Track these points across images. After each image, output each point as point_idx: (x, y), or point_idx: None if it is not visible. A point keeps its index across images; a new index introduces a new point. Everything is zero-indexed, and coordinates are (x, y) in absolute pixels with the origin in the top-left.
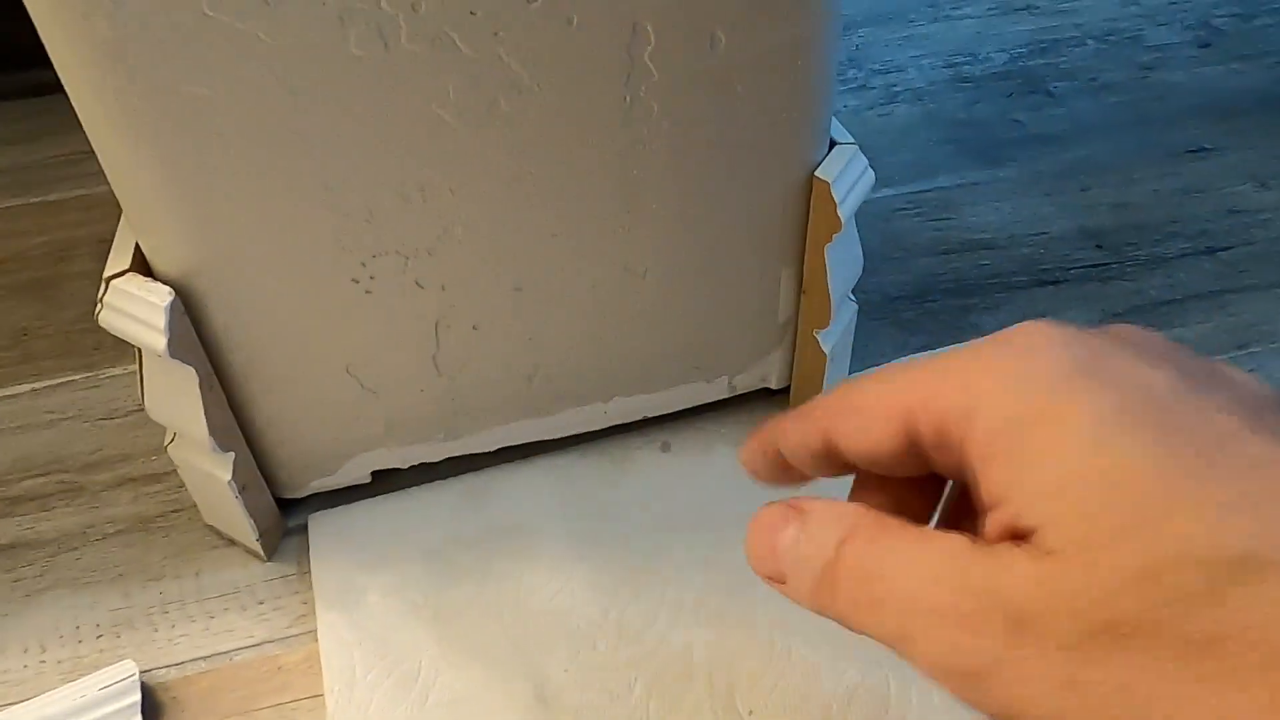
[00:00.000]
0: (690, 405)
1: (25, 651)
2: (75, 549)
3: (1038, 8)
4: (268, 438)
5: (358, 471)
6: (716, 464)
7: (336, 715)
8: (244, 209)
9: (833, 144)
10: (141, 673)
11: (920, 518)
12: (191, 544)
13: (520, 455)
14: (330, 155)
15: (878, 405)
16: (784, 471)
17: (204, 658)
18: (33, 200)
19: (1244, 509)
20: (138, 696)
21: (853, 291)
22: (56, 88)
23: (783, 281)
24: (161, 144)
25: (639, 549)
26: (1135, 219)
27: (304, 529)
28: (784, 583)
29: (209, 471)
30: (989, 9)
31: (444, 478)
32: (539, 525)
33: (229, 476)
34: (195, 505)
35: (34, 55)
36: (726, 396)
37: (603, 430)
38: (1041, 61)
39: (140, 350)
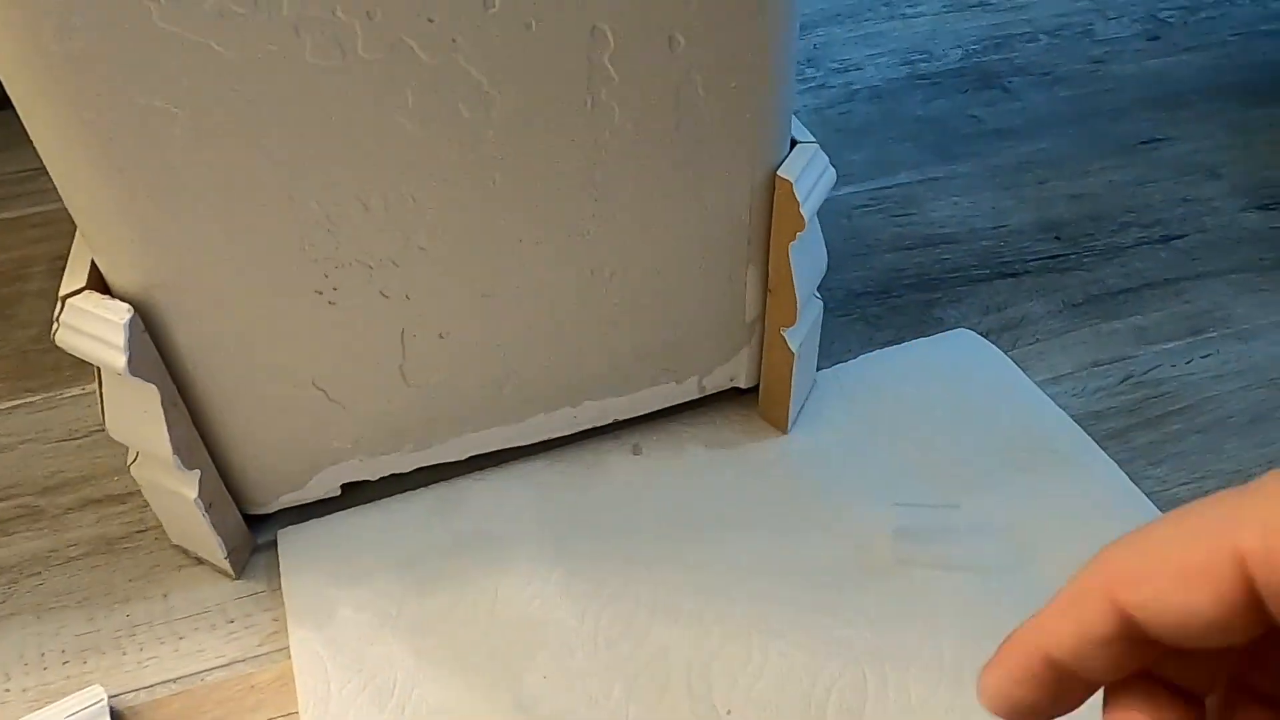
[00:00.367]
0: (660, 407)
1: None
2: (38, 574)
3: (990, 4)
4: (234, 453)
5: (327, 485)
6: (688, 465)
7: None
8: (202, 223)
9: (794, 143)
10: (110, 698)
11: (1212, 686)
12: (158, 564)
13: (491, 463)
14: (290, 166)
15: (1196, 554)
16: (1059, 690)
17: (174, 680)
18: None
19: None
20: None
21: (818, 289)
22: (6, 102)
23: (748, 281)
24: (115, 158)
25: (613, 552)
26: (1091, 210)
27: (273, 545)
28: None
29: (174, 490)
30: (943, 6)
31: (415, 488)
32: (512, 533)
33: (195, 494)
34: (160, 525)
35: None
36: (696, 397)
37: (574, 435)
38: (996, 57)
39: (99, 369)
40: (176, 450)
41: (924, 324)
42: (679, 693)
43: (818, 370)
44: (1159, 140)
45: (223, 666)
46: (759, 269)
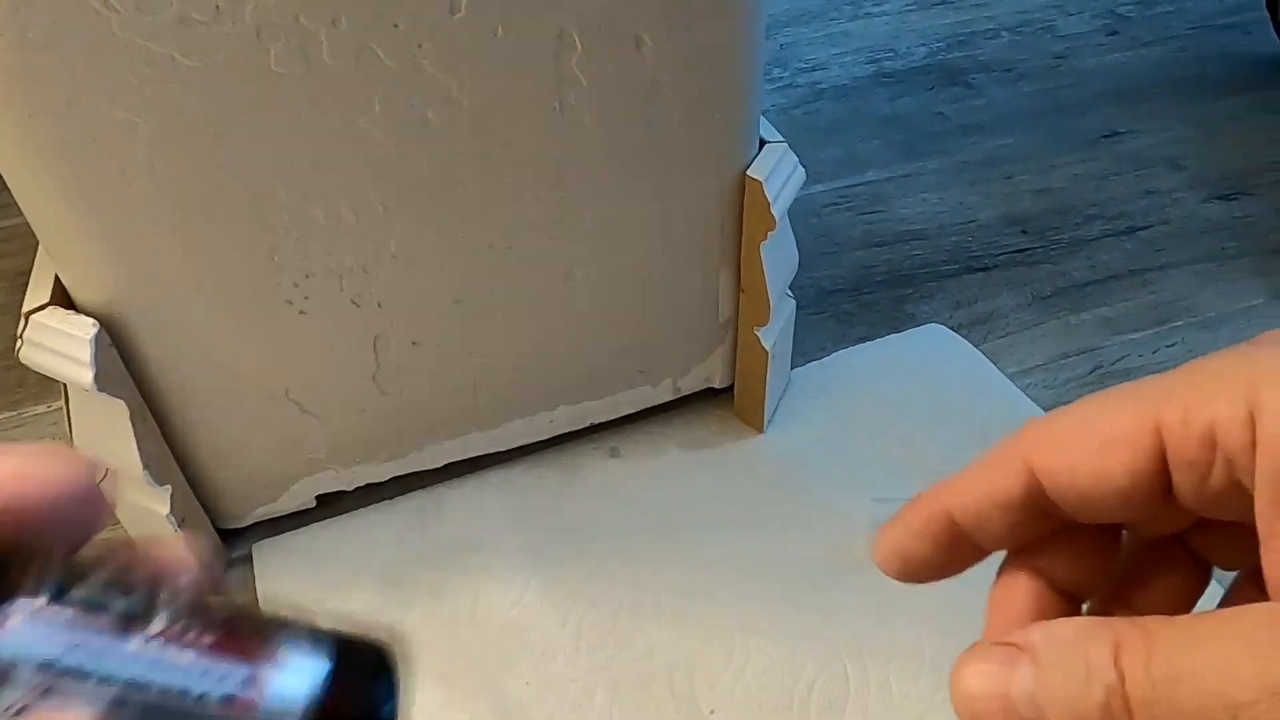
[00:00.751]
0: (636, 409)
1: None
2: None
3: (953, 2)
4: (206, 468)
5: (302, 497)
6: (666, 466)
7: None
8: (168, 234)
9: (762, 143)
10: None
11: (1092, 589)
12: None
13: (468, 470)
14: (256, 175)
15: (1117, 424)
16: (950, 551)
17: None
18: None
19: None
20: None
21: (790, 287)
22: None
23: (721, 281)
24: (75, 170)
25: (593, 556)
26: (1057, 203)
27: (249, 559)
28: None
29: (145, 506)
30: (906, 5)
31: (391, 497)
32: (491, 540)
33: (167, 510)
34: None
35: None
36: (672, 399)
37: (550, 439)
38: (960, 54)
39: (66, 385)
40: (147, 466)
41: (896, 320)
42: (662, 694)
43: (792, 368)
44: (1121, 134)
45: None
46: (731, 269)
